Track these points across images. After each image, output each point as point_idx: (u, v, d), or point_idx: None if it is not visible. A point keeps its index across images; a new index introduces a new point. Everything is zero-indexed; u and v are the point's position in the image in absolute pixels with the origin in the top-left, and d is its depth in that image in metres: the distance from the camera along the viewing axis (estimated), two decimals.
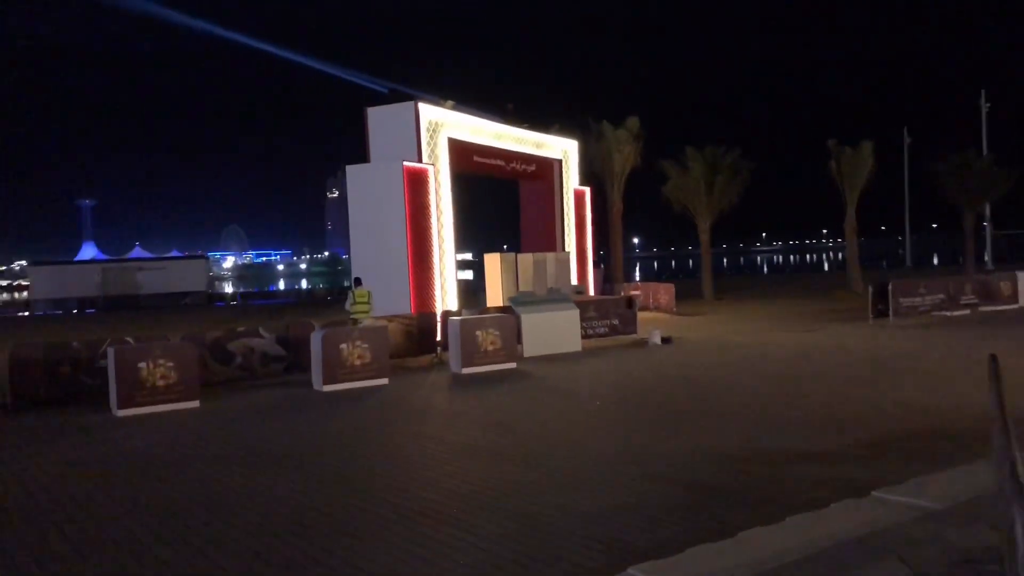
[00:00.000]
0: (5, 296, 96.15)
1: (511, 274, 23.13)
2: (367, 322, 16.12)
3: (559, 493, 7.27)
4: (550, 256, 24.63)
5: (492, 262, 23.33)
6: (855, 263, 34.10)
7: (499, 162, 24.88)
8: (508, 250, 28.23)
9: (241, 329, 15.27)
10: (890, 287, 20.97)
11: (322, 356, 13.89)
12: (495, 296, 22.89)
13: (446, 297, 21.41)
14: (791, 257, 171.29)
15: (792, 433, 9.38)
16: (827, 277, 51.68)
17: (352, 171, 20.91)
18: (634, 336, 19.53)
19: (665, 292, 28.17)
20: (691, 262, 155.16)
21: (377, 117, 21.50)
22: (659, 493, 7.16)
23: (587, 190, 29.28)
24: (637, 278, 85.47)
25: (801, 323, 22.47)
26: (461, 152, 22.63)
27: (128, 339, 14.00)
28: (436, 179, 21.23)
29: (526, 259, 23.80)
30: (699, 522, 6.31)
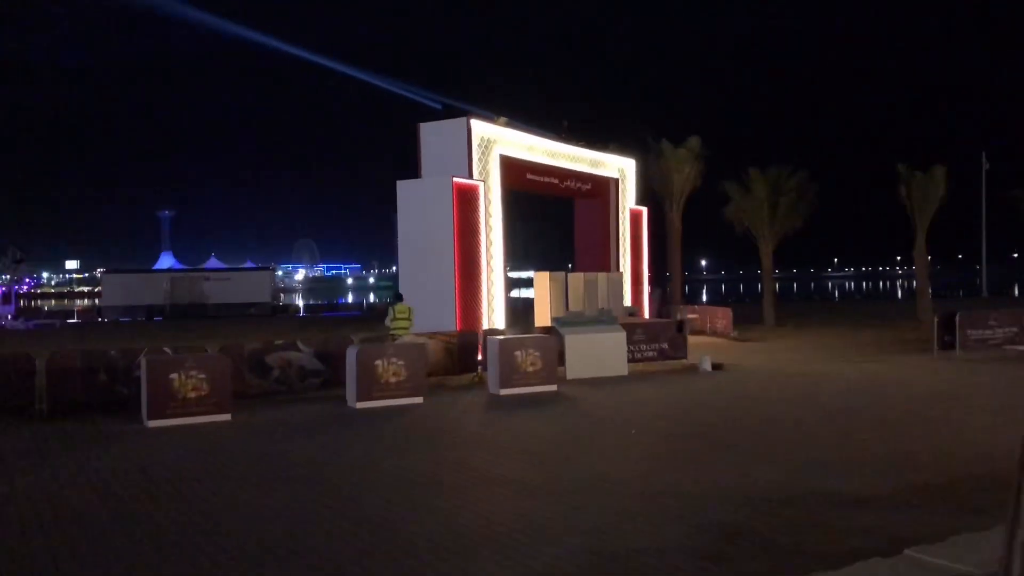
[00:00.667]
0: (81, 303, 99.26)
1: (560, 293, 22.65)
2: (407, 339, 15.85)
3: (571, 532, 6.79)
4: (602, 276, 24.07)
5: (541, 281, 22.90)
6: (925, 292, 32.72)
7: (553, 180, 24.47)
8: (568, 270, 27.77)
9: (279, 342, 15.14)
10: (957, 318, 19.86)
11: (356, 372, 13.63)
12: (543, 315, 22.42)
13: (493, 315, 21.04)
14: (863, 284, 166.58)
15: (838, 474, 8.72)
16: (897, 306, 49.90)
17: (403, 186, 20.74)
18: (684, 361, 18.85)
19: (723, 316, 27.34)
20: (759, 286, 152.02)
21: (429, 132, 21.32)
22: (682, 536, 6.62)
23: (644, 210, 28.67)
24: (704, 300, 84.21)
25: (863, 353, 21.47)
26: (513, 169, 22.30)
27: (166, 349, 13.96)
28: (487, 196, 20.93)
29: (576, 278, 23.30)
30: (715, 573, 5.77)
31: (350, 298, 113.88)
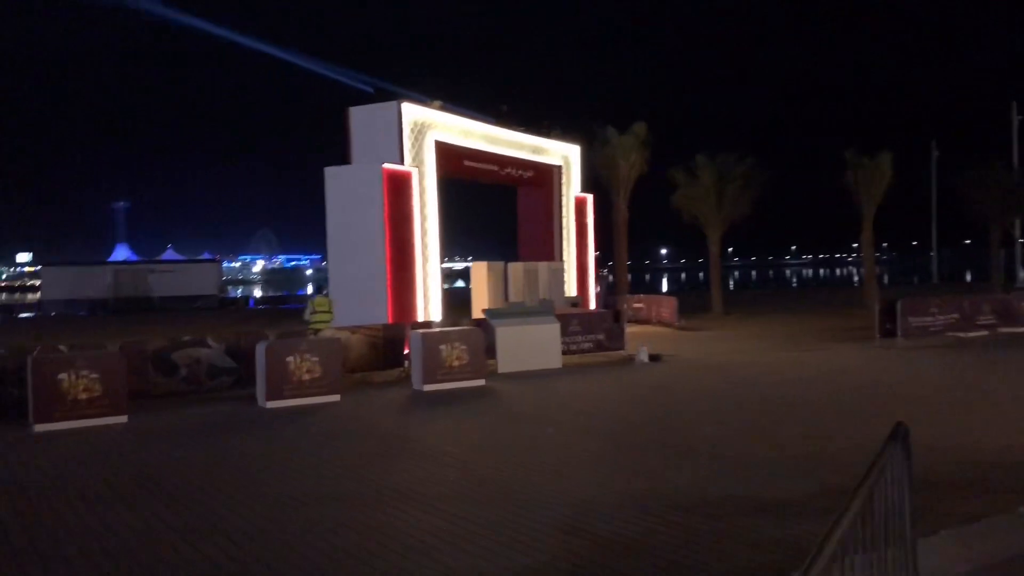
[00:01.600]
0: (17, 296, 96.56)
1: (498, 284, 22.00)
2: (326, 334, 15.09)
3: (446, 548, 6.13)
4: (542, 265, 23.44)
5: (478, 271, 22.23)
6: (871, 279, 32.62)
7: (492, 167, 23.74)
8: (509, 260, 27.10)
9: (187, 338, 14.26)
10: (898, 305, 19.54)
11: (265, 369, 12.85)
12: (481, 307, 21.74)
13: (429, 307, 20.33)
14: (820, 271, 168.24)
15: (755, 475, 8.17)
16: (848, 293, 49.93)
17: (331, 173, 19.86)
18: (622, 353, 18.31)
19: (667, 306, 26.88)
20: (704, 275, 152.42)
21: (359, 117, 20.45)
22: (567, 552, 6.00)
23: (589, 197, 28.06)
24: (664, 290, 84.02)
25: (805, 342, 21.12)
26: (450, 155, 21.55)
27: (60, 347, 13.05)
28: (421, 183, 20.16)
29: (516, 268, 22.64)
30: None
31: (309, 289, 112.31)
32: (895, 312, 19.48)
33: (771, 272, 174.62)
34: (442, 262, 21.67)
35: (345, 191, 19.62)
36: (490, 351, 16.34)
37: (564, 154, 26.82)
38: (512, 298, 22.15)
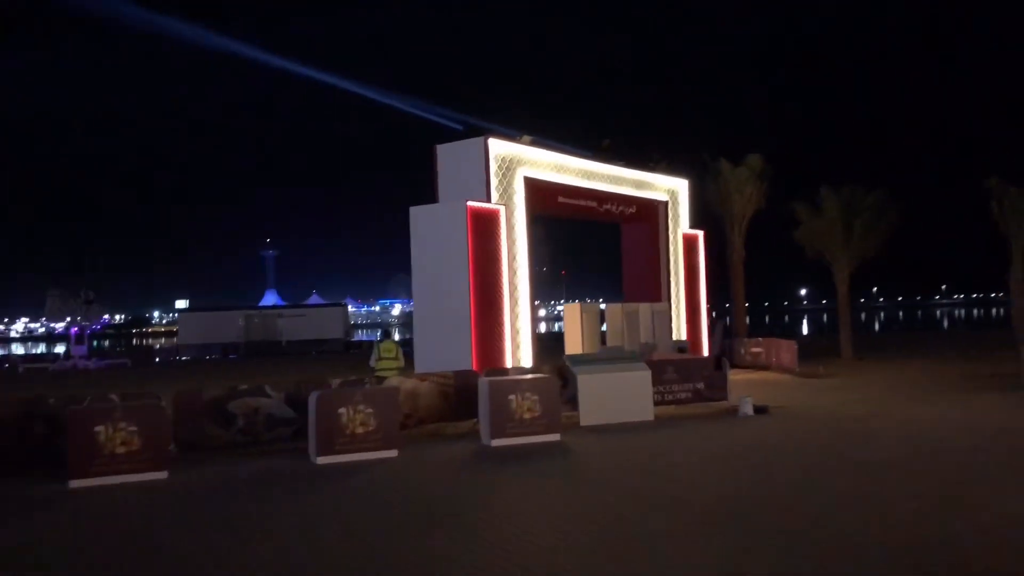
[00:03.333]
0: (164, 341, 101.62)
1: (594, 327, 20.54)
2: (394, 381, 14.10)
3: None
4: (644, 307, 21.86)
5: (571, 313, 20.85)
6: (1022, 320, 29.08)
7: (591, 203, 22.46)
8: (616, 301, 25.59)
9: (244, 387, 13.53)
10: None
11: (315, 421, 11.91)
12: (573, 351, 20.34)
13: (518, 352, 19.12)
14: (974, 311, 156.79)
15: (852, 566, 6.46)
16: (1002, 335, 45.47)
17: (416, 212, 19.08)
18: (724, 403, 16.47)
19: (787, 350, 24.61)
20: (864, 315, 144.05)
21: (446, 154, 19.66)
22: None
23: (700, 234, 26.31)
24: (805, 332, 79.52)
25: (944, 392, 18.59)
26: (542, 192, 20.43)
27: (113, 396, 12.54)
28: (509, 221, 19.11)
29: (614, 310, 21.17)
30: None
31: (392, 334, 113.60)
32: None
33: (919, 313, 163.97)
34: (547, 304, 20.52)
35: (430, 231, 18.79)
36: (575, 401, 14.97)
37: (671, 188, 25.26)
38: (610, 342, 20.68)
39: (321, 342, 61.25)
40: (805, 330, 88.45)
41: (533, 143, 20.26)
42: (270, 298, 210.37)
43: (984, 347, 33.44)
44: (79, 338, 49.26)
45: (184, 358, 56.83)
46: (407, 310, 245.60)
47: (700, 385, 16.33)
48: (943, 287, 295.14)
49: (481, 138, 19.12)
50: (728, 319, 32.00)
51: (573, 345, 20.58)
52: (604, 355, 16.32)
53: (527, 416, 13.09)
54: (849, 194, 28.94)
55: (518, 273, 19.38)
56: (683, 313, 25.31)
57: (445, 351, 17.92)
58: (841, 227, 28.70)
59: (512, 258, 19.15)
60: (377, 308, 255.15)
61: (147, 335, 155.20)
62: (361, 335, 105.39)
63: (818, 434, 13.40)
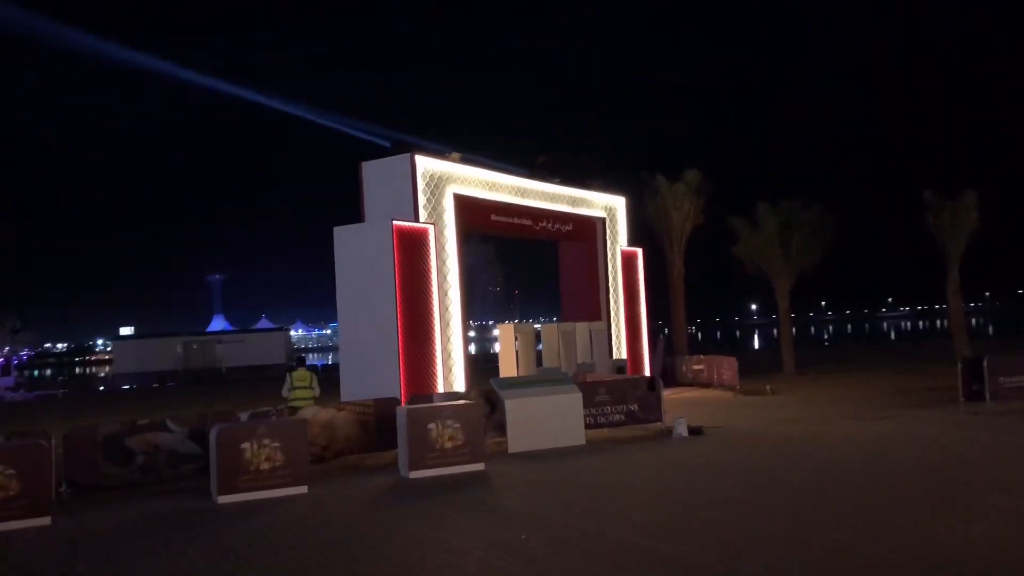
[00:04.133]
0: (94, 369, 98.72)
1: (529, 348, 19.95)
2: (308, 411, 13.32)
3: None
4: (581, 326, 21.34)
5: (505, 334, 20.25)
6: (960, 331, 29.26)
7: (525, 221, 21.94)
8: (553, 322, 25.05)
9: (144, 422, 12.65)
10: (985, 362, 16.64)
11: (217, 458, 11.10)
12: (508, 374, 19.71)
13: (451, 377, 18.43)
14: (920, 323, 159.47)
15: None
16: (942, 348, 46.00)
17: (340, 232, 18.35)
18: (659, 425, 15.96)
19: (728, 367, 24.29)
20: (813, 329, 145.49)
21: (372, 172, 18.98)
22: None
23: (639, 251, 25.96)
24: (757, 346, 79.73)
25: (880, 406, 18.34)
26: (473, 210, 19.85)
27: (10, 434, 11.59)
28: (439, 240, 18.47)
29: (550, 330, 20.61)
30: None
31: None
32: (982, 371, 16.57)
33: (866, 325, 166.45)
34: (486, 325, 19.85)
35: (355, 252, 18.07)
36: (504, 427, 14.33)
37: (608, 205, 24.88)
38: (546, 362, 20.11)
39: (262, 368, 59.77)
40: (756, 344, 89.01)
41: (463, 160, 19.72)
42: (217, 324, 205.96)
43: (923, 359, 33.61)
44: (5, 369, 47.30)
45: (125, 387, 55.00)
46: None
47: (634, 407, 15.80)
48: (889, 299, 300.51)
49: (408, 154, 18.50)
50: (668, 334, 31.63)
51: (508, 367, 19.96)
52: (533, 378, 15.70)
53: (448, 445, 12.41)
54: (787, 209, 28.90)
55: (449, 294, 18.73)
56: (623, 331, 24.89)
57: (372, 377, 17.18)
58: (779, 242, 28.65)
59: (443, 278, 18.50)
60: (329, 331, 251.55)
61: (90, 363, 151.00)
62: (313, 359, 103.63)
63: (747, 454, 12.95)
